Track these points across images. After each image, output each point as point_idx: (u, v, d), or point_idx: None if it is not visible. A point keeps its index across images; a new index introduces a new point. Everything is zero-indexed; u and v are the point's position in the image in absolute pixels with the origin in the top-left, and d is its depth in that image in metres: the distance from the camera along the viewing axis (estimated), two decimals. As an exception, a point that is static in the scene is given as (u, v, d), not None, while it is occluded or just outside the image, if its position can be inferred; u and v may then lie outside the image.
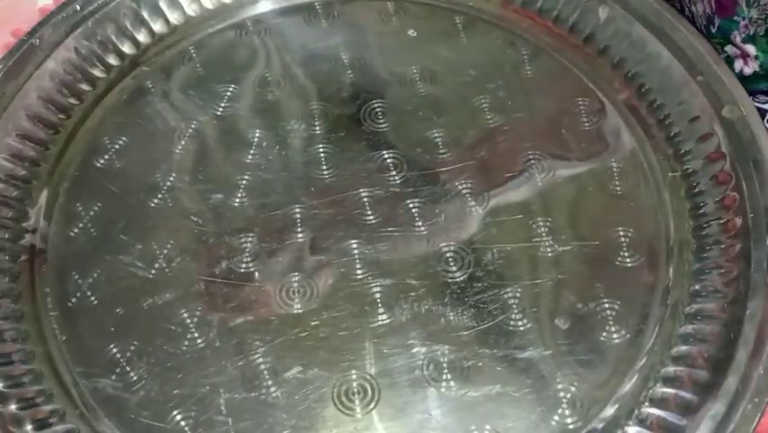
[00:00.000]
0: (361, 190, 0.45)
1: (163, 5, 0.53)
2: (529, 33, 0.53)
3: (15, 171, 0.46)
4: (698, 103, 0.46)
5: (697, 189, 0.44)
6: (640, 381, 0.39)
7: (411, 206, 0.45)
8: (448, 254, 0.43)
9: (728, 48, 0.47)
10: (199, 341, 0.40)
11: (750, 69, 0.46)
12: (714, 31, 0.48)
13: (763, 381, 0.35)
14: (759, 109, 0.45)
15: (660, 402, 0.38)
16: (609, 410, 0.38)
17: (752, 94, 0.46)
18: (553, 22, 0.52)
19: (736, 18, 0.46)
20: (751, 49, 0.46)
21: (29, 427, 0.38)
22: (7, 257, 0.43)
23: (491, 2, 0.54)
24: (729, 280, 0.40)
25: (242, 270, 0.43)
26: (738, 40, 0.46)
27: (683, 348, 0.39)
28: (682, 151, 0.46)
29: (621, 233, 0.43)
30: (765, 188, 0.41)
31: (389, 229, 0.44)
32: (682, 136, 0.46)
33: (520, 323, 0.40)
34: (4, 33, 0.50)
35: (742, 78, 0.46)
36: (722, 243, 0.42)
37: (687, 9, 0.49)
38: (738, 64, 0.47)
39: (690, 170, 0.45)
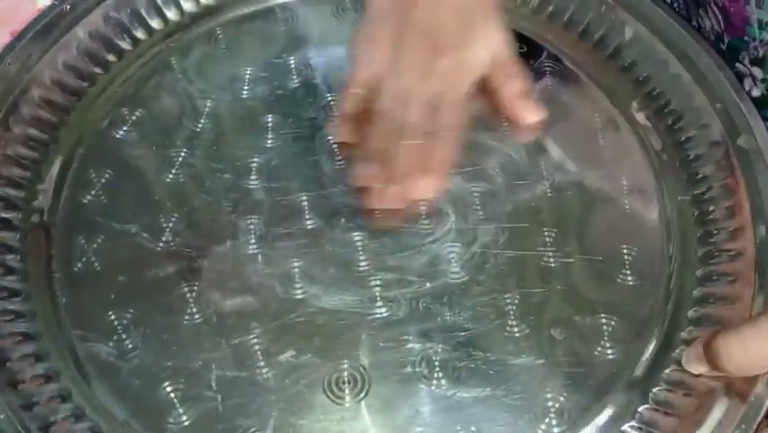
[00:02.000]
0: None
1: (195, -16, 0.54)
2: (554, 46, 0.53)
3: (34, 134, 0.47)
4: (715, 129, 0.46)
5: (706, 216, 0.44)
6: (629, 399, 0.39)
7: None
8: (452, 255, 0.43)
9: (738, 65, 0.47)
10: (197, 316, 0.41)
11: (757, 91, 0.46)
12: (723, 48, 0.48)
13: (752, 407, 0.35)
14: None
15: (646, 423, 0.38)
16: (596, 425, 0.38)
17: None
18: (578, 36, 0.52)
19: (746, 38, 0.46)
20: (757, 72, 0.46)
21: (20, 381, 0.38)
22: (20, 215, 0.44)
23: (518, 11, 0.54)
24: (731, 308, 0.40)
25: (247, 251, 0.43)
26: (746, 61, 0.46)
27: (675, 372, 0.39)
28: (695, 175, 0.46)
29: (625, 251, 0.43)
30: (773, 217, 0.41)
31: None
32: (696, 161, 0.46)
33: (516, 329, 0.40)
34: (3, 34, 0.50)
35: (750, 98, 0.46)
36: (726, 271, 0.42)
37: (695, 21, 0.49)
38: (748, 83, 0.46)
39: (701, 196, 0.45)
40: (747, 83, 0.46)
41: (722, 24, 0.46)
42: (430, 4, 0.39)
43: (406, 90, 0.40)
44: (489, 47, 0.41)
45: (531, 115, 0.43)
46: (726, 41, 0.47)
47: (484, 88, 0.42)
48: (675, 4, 0.50)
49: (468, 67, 0.41)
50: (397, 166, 0.41)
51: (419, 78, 0.40)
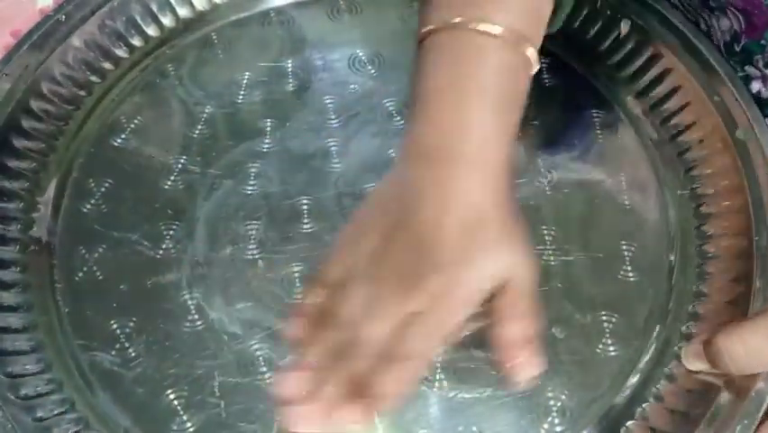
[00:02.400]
0: (370, 186, 0.46)
1: (190, -10, 0.54)
2: (550, 42, 0.52)
3: (33, 145, 0.47)
4: (712, 123, 0.46)
5: (705, 210, 0.44)
6: (632, 396, 0.39)
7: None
8: (451, 256, 0.43)
9: (747, 67, 0.47)
10: (199, 323, 0.41)
11: None
12: (737, 49, 0.47)
13: (753, 403, 0.35)
14: None
15: (650, 419, 0.38)
16: (599, 423, 0.38)
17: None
18: (574, 31, 0.52)
19: (762, 42, 0.46)
20: None
21: (24, 393, 0.39)
22: (20, 227, 0.44)
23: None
24: (731, 303, 0.40)
25: (247, 256, 0.43)
26: (761, 64, 0.46)
27: (677, 368, 0.39)
28: (693, 170, 0.46)
29: (625, 247, 0.43)
30: (773, 212, 0.41)
31: None
32: (694, 155, 0.46)
33: (517, 329, 0.40)
34: (3, 34, 0.50)
35: (758, 100, 0.46)
36: (726, 266, 0.42)
37: (704, 23, 0.48)
38: (756, 85, 0.46)
39: (699, 190, 0.45)
40: (756, 85, 0.46)
41: (743, 26, 0.46)
42: (434, 210, 0.34)
43: (379, 299, 0.33)
44: (495, 272, 0.34)
45: (526, 369, 0.34)
46: (741, 43, 0.47)
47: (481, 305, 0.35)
48: (681, 4, 0.50)
49: (461, 294, 0.33)
50: (323, 382, 0.33)
51: (393, 292, 0.33)
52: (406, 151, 0.36)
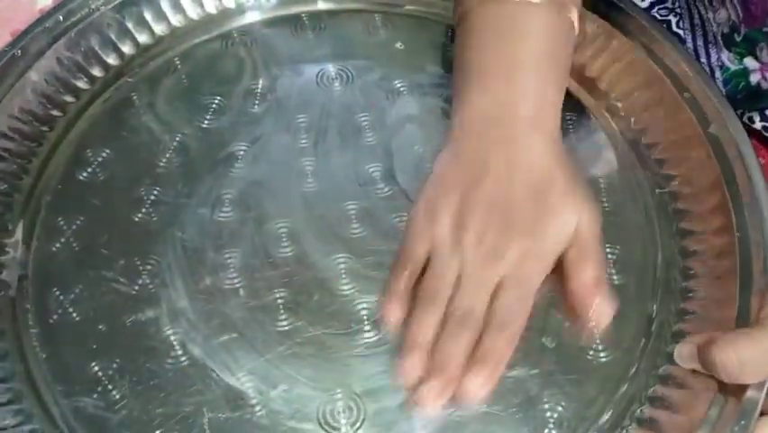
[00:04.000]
0: (348, 203, 0.45)
1: (148, 16, 0.53)
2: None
3: (-4, 186, 0.46)
4: (685, 120, 0.46)
5: (684, 207, 0.44)
6: (627, 400, 0.39)
7: (398, 220, 0.44)
8: (435, 271, 0.42)
9: (747, 60, 0.47)
10: (183, 359, 0.40)
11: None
12: (738, 39, 0.47)
13: (749, 403, 0.35)
14: None
15: (646, 422, 0.38)
16: (596, 431, 0.38)
17: None
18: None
19: (765, 29, 0.46)
20: None
21: (7, 449, 0.37)
22: (-12, 272, 0.43)
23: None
24: (716, 299, 0.40)
25: (227, 286, 0.42)
26: (765, 52, 0.46)
27: (670, 368, 0.39)
28: (670, 168, 0.46)
29: (608, 250, 0.43)
30: (752, 206, 0.41)
31: (376, 243, 0.44)
32: (669, 153, 0.46)
33: (507, 341, 0.40)
34: (3, 34, 0.49)
35: (758, 92, 0.46)
36: (709, 262, 0.42)
37: (697, 14, 0.48)
38: (755, 77, 0.46)
39: (676, 188, 0.45)
40: (755, 77, 0.46)
41: (740, 15, 0.45)
42: (503, 174, 0.36)
43: (466, 271, 0.36)
44: (568, 227, 0.36)
45: (600, 313, 0.36)
46: (742, 33, 0.46)
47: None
48: (675, 2, 0.50)
49: (542, 252, 0.36)
50: (443, 357, 0.35)
51: (482, 260, 0.36)
52: (463, 123, 0.38)
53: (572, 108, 0.49)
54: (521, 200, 0.36)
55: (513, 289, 0.36)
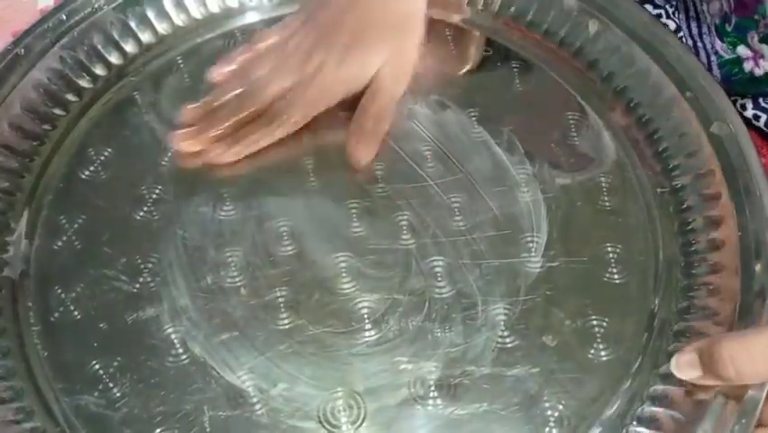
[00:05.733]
0: (349, 202, 0.45)
1: (151, 15, 0.53)
2: (519, 47, 0.52)
3: (-1, 185, 0.46)
4: (687, 119, 0.46)
5: (685, 206, 0.44)
6: (628, 399, 0.38)
7: (399, 219, 0.44)
8: (436, 269, 0.42)
9: (740, 48, 0.47)
10: (184, 357, 0.40)
11: (761, 70, 0.46)
12: (729, 29, 0.47)
13: (750, 402, 0.35)
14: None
15: (648, 421, 0.38)
16: (597, 429, 0.38)
17: (762, 95, 0.45)
18: (542, 35, 0.52)
19: (756, 17, 0.46)
20: (766, 49, 0.45)
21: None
22: (-10, 270, 0.43)
23: (481, 14, 0.54)
24: (718, 297, 0.40)
25: (228, 284, 0.42)
26: (755, 39, 0.46)
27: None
28: (671, 167, 0.46)
29: (610, 249, 0.43)
30: (753, 205, 0.41)
31: (377, 242, 0.44)
32: (671, 152, 0.46)
33: (508, 340, 0.40)
34: (4, 34, 0.50)
35: (752, 79, 0.46)
36: (710, 260, 0.42)
37: (692, 9, 0.48)
38: (748, 65, 0.46)
39: (678, 187, 0.45)
40: (748, 65, 0.46)
41: (732, 5, 0.45)
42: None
43: (281, 66, 0.44)
44: (376, 64, 0.43)
45: (360, 153, 0.45)
46: (733, 22, 0.46)
47: None
48: None
49: (349, 69, 0.43)
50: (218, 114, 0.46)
51: (299, 59, 0.43)
52: None
53: (573, 106, 0.49)
54: (352, 24, 0.43)
55: (304, 89, 0.44)
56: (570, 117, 0.49)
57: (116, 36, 0.52)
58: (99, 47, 0.51)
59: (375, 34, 0.44)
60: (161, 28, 0.53)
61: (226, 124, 0.45)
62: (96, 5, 0.51)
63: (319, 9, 0.46)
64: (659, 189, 0.45)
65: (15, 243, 0.44)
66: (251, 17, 0.55)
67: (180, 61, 0.52)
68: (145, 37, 0.53)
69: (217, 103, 0.47)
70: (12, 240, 0.44)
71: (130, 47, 0.52)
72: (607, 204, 0.45)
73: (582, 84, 0.50)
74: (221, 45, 0.53)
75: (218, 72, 0.48)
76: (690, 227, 0.44)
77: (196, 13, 0.54)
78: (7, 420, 0.38)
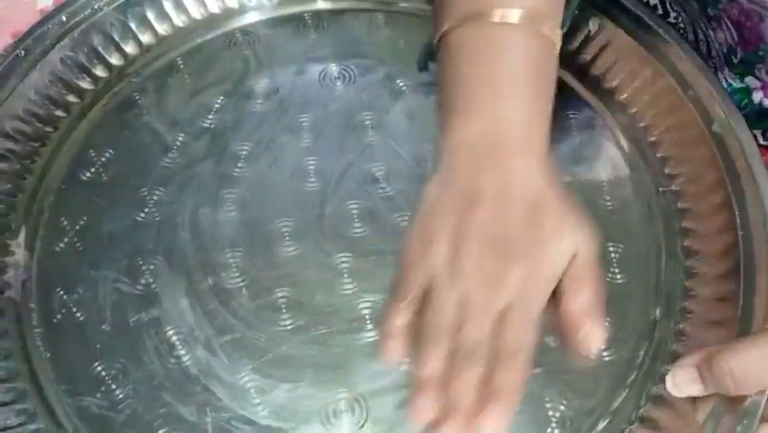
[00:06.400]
0: (350, 203, 0.45)
1: (151, 16, 0.53)
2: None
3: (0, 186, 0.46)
4: (688, 118, 0.45)
5: (686, 206, 0.44)
6: (630, 400, 0.39)
7: (400, 219, 0.44)
8: (438, 270, 0.42)
9: (748, 78, 0.47)
10: (186, 359, 0.40)
11: None
12: (736, 61, 0.47)
13: (752, 404, 0.35)
14: None
15: (650, 422, 0.38)
16: (599, 429, 0.38)
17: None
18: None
19: (760, 53, 0.46)
20: None
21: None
22: (-8, 273, 0.43)
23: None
24: (719, 297, 0.40)
25: (230, 285, 0.42)
26: (763, 72, 0.46)
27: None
28: (673, 166, 0.46)
29: (611, 249, 0.43)
30: (755, 205, 0.41)
31: (378, 243, 0.44)
32: (672, 151, 0.46)
33: (510, 340, 0.40)
34: (4, 34, 0.50)
35: (761, 110, 0.46)
36: (712, 259, 0.42)
37: (702, 33, 0.48)
38: (758, 96, 0.46)
39: (679, 187, 0.45)
40: (757, 96, 0.46)
41: (736, 39, 0.45)
42: (496, 201, 0.35)
43: (468, 301, 0.34)
44: (566, 251, 0.35)
45: (591, 339, 0.35)
46: (739, 56, 0.46)
47: None
48: (679, 18, 0.50)
49: (542, 277, 0.35)
50: (457, 395, 0.34)
51: (484, 287, 0.34)
52: (451, 148, 0.37)
53: (575, 107, 0.49)
54: (517, 226, 0.35)
55: (517, 316, 0.34)
56: (571, 115, 0.48)
57: (117, 37, 0.52)
58: (100, 48, 0.51)
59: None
60: (162, 29, 0.53)
61: (471, 393, 0.34)
62: (97, 6, 0.51)
63: (469, 218, 0.36)
64: (660, 189, 0.45)
65: (17, 245, 0.44)
66: (251, 17, 0.55)
67: (180, 62, 0.52)
68: (145, 38, 0.53)
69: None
70: (14, 242, 0.44)
71: (130, 48, 0.52)
72: (607, 203, 0.45)
73: (583, 81, 0.50)
74: (221, 46, 0.53)
75: (394, 352, 0.36)
76: (691, 228, 0.44)
77: (196, 13, 0.54)
78: (10, 422, 0.38)
